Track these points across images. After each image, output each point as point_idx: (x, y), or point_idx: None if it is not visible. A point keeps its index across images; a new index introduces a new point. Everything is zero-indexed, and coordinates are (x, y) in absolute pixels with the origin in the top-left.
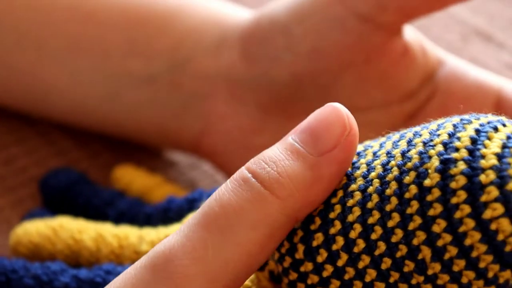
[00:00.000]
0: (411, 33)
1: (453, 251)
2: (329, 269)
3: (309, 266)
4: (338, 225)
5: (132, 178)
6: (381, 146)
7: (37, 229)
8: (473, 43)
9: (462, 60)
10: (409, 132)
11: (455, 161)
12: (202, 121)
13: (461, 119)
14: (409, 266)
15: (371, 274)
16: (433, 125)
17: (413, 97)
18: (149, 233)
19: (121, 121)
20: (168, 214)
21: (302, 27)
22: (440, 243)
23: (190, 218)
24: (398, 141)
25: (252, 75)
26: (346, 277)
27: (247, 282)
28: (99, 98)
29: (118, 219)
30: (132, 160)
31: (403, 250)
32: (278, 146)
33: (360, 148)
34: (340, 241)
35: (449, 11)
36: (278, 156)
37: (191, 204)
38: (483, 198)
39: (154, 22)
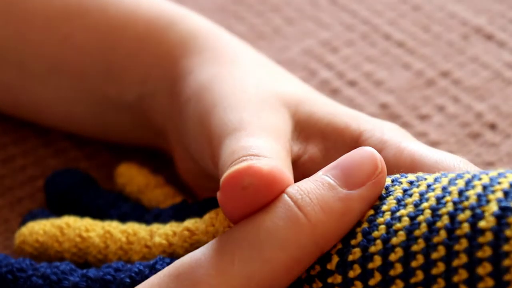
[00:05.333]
0: None
1: None
2: (358, 286)
3: (338, 279)
4: (379, 244)
5: (130, 176)
6: (435, 180)
7: (44, 228)
8: (473, 42)
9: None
10: (467, 174)
11: None
12: (171, 154)
13: None
14: None
15: None
16: (493, 172)
17: None
18: (160, 227)
19: (109, 136)
20: (180, 215)
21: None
22: (480, 286)
23: (223, 234)
24: (455, 179)
25: None
26: None
27: None
28: (84, 116)
29: (121, 221)
30: (132, 160)
31: (440, 284)
32: (309, 179)
33: (412, 177)
34: (378, 260)
35: (450, 11)
36: (310, 186)
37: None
38: None
39: (126, 46)
